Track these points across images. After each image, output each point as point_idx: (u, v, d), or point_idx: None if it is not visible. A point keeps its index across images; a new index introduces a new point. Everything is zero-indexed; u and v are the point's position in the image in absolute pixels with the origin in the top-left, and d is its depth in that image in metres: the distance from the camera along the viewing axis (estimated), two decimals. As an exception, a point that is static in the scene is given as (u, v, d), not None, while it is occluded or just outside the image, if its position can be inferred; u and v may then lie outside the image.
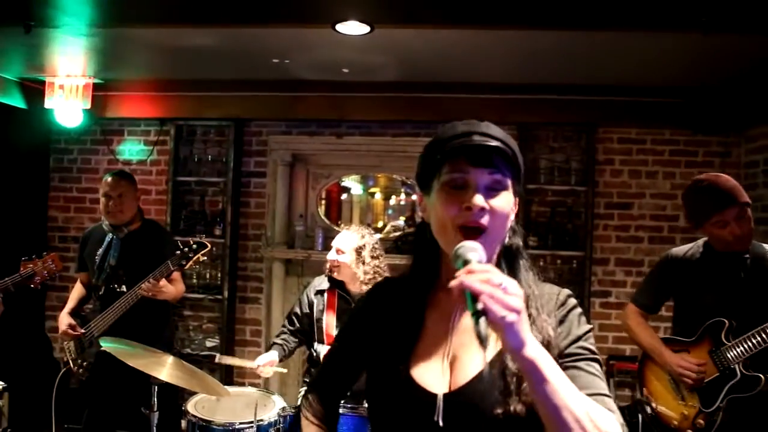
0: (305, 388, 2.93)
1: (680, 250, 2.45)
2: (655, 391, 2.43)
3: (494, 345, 1.04)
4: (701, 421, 2.24)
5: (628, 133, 4.27)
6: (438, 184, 1.07)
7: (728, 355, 2.22)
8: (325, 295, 2.97)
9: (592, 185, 4.20)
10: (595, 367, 1.02)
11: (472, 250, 0.93)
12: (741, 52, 3.08)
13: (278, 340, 2.98)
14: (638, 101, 4.08)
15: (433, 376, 1.06)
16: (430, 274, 1.16)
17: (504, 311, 0.83)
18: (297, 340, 3.01)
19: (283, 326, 3.07)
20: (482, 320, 0.82)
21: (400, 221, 4.72)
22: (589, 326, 1.07)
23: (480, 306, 0.83)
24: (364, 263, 2.88)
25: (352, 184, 4.80)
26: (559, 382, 0.88)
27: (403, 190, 4.76)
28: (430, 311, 1.14)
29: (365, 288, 2.85)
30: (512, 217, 1.10)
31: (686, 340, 2.35)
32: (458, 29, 2.99)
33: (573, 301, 1.10)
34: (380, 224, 4.70)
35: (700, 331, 2.31)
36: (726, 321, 2.24)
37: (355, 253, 2.87)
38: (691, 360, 2.28)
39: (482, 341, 0.82)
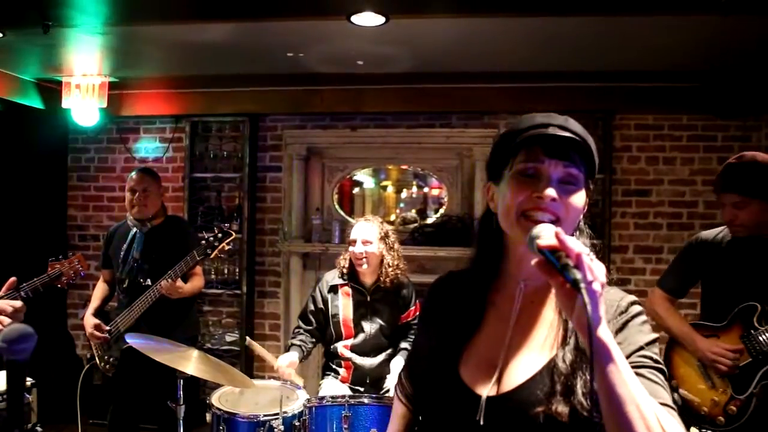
0: (324, 381, 2.97)
1: (710, 233, 2.40)
2: (683, 377, 2.38)
3: (549, 351, 1.03)
4: (733, 408, 2.19)
5: (645, 120, 4.23)
6: (510, 172, 1.05)
7: (761, 340, 2.17)
8: (339, 290, 2.97)
9: (610, 172, 4.17)
10: (659, 377, 0.97)
11: (547, 229, 0.91)
12: (761, 33, 3.03)
13: (296, 341, 2.95)
14: (655, 87, 4.03)
15: (481, 376, 1.05)
16: (493, 267, 1.14)
17: (593, 277, 0.82)
18: (314, 339, 3.00)
19: (298, 327, 3.05)
20: (575, 271, 0.81)
21: (411, 213, 4.71)
22: (653, 335, 1.02)
23: (572, 262, 0.82)
24: (392, 248, 2.91)
25: (364, 177, 4.80)
26: (627, 373, 0.84)
27: (414, 182, 4.75)
28: (491, 309, 1.12)
29: (391, 276, 2.88)
30: (580, 216, 1.07)
31: (716, 325, 2.30)
32: (473, 18, 2.96)
33: (636, 308, 1.04)
34: (392, 217, 4.69)
35: (731, 316, 2.26)
36: (758, 305, 2.19)
37: (382, 241, 2.89)
38: (725, 346, 2.23)
39: (577, 283, 0.80)
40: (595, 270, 0.82)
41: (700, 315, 2.45)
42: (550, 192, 0.99)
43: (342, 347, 2.92)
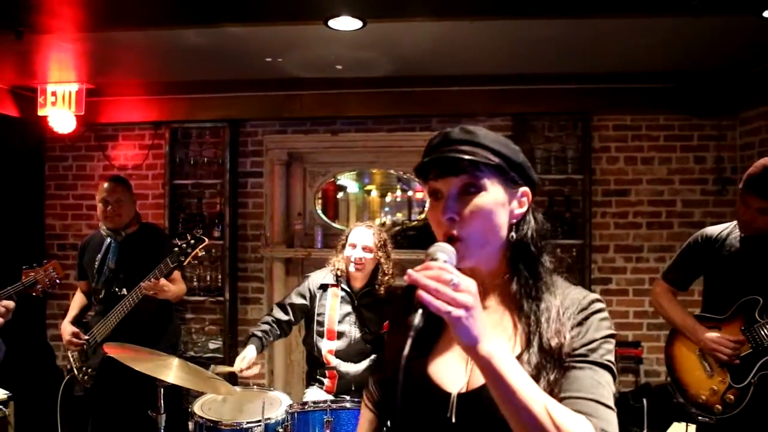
0: (308, 390, 2.94)
1: (714, 229, 2.45)
2: (684, 366, 2.44)
3: (513, 350, 1.05)
4: (731, 397, 2.26)
5: (623, 120, 4.28)
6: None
7: (762, 333, 2.23)
8: (330, 290, 2.96)
9: (589, 173, 4.21)
10: (599, 374, 0.99)
11: (442, 251, 0.96)
12: (733, 33, 3.09)
13: (258, 332, 2.87)
14: (632, 87, 4.09)
15: (450, 374, 1.07)
16: None
17: (449, 307, 0.86)
18: (279, 332, 2.94)
19: (270, 314, 2.98)
20: (418, 312, 0.87)
21: (398, 217, 4.71)
22: (608, 332, 1.04)
23: (420, 299, 0.87)
24: (389, 257, 2.91)
25: (348, 182, 4.79)
26: (518, 382, 0.89)
27: (398, 186, 4.75)
28: None
29: (385, 284, 2.87)
30: (516, 210, 1.09)
31: (718, 317, 2.36)
32: (450, 21, 2.98)
33: (597, 305, 1.07)
34: (377, 221, 4.69)
35: (733, 309, 2.32)
36: (760, 299, 2.25)
37: (381, 249, 2.88)
38: (727, 336, 2.29)
39: (408, 329, 0.86)
40: (459, 297, 0.87)
41: (702, 307, 2.51)
42: (447, 212, 1.04)
43: (326, 353, 2.90)
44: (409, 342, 0.86)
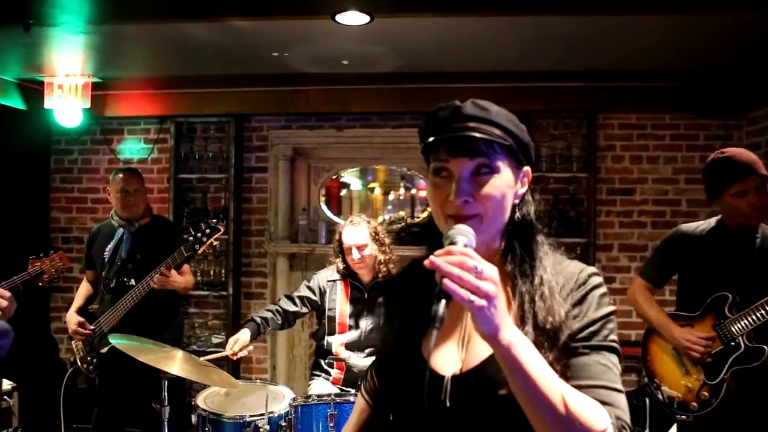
0: (313, 382, 2.95)
1: (690, 226, 2.47)
2: (658, 365, 2.46)
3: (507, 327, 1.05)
4: (706, 393, 2.28)
5: (628, 119, 4.27)
6: (429, 172, 1.07)
7: (732, 329, 2.25)
8: (339, 284, 2.97)
9: (594, 172, 4.20)
10: (606, 357, 0.98)
11: (462, 234, 0.93)
12: (740, 33, 3.08)
13: (257, 318, 2.85)
14: (638, 86, 4.08)
15: (445, 357, 1.06)
16: None
17: (472, 295, 0.83)
18: (282, 323, 2.92)
19: (276, 303, 2.98)
20: (442, 302, 0.83)
21: (401, 214, 4.72)
22: (609, 308, 1.02)
23: (445, 288, 0.83)
24: (383, 244, 2.92)
25: (352, 179, 4.79)
26: (537, 371, 0.87)
27: (402, 184, 4.75)
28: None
29: (383, 272, 2.89)
30: (520, 191, 1.08)
31: (691, 314, 2.39)
32: (458, 17, 2.98)
33: (596, 280, 1.04)
34: (380, 219, 4.69)
35: (705, 306, 2.34)
36: (729, 295, 2.27)
37: (375, 241, 2.89)
38: (698, 334, 2.32)
39: (433, 320, 0.83)
40: (482, 285, 0.83)
41: (676, 306, 2.52)
42: (461, 195, 1.00)
43: (338, 346, 2.90)
44: (435, 334, 0.82)
